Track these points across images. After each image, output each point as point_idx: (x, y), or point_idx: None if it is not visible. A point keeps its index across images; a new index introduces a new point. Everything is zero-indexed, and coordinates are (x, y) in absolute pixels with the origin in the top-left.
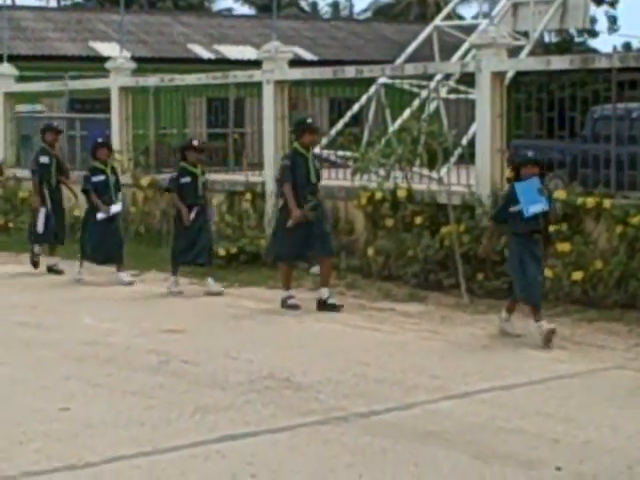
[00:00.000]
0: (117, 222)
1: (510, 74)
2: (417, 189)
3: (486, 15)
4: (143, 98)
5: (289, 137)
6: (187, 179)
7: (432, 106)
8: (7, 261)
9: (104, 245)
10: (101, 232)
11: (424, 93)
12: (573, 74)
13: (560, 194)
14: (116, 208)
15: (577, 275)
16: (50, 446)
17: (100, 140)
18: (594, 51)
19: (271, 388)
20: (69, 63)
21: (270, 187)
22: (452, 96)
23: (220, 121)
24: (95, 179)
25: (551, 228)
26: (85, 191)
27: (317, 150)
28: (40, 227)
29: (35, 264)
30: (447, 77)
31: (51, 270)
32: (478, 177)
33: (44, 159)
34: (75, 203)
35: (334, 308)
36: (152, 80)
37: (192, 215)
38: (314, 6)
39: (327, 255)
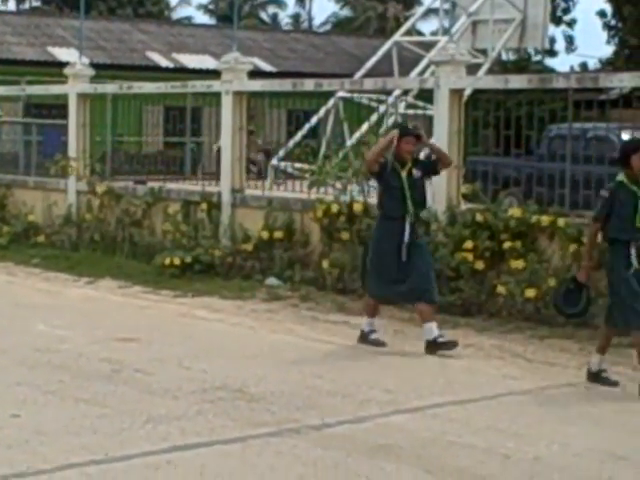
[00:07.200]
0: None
1: (468, 91)
2: (373, 203)
3: (446, 31)
4: (101, 105)
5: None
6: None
7: (390, 121)
8: None
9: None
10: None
11: (382, 108)
12: (530, 93)
13: (515, 212)
14: None
15: (530, 292)
16: (0, 453)
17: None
18: (551, 70)
19: (224, 399)
20: (27, 68)
21: (226, 197)
22: (410, 111)
23: (177, 130)
24: None
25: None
26: None
27: (274, 162)
28: None
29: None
30: (405, 92)
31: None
32: (434, 193)
33: None
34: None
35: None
36: (110, 87)
37: None
38: (274, 18)
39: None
